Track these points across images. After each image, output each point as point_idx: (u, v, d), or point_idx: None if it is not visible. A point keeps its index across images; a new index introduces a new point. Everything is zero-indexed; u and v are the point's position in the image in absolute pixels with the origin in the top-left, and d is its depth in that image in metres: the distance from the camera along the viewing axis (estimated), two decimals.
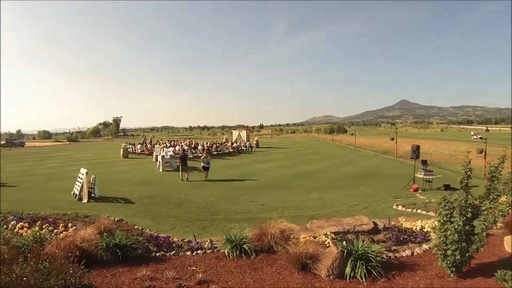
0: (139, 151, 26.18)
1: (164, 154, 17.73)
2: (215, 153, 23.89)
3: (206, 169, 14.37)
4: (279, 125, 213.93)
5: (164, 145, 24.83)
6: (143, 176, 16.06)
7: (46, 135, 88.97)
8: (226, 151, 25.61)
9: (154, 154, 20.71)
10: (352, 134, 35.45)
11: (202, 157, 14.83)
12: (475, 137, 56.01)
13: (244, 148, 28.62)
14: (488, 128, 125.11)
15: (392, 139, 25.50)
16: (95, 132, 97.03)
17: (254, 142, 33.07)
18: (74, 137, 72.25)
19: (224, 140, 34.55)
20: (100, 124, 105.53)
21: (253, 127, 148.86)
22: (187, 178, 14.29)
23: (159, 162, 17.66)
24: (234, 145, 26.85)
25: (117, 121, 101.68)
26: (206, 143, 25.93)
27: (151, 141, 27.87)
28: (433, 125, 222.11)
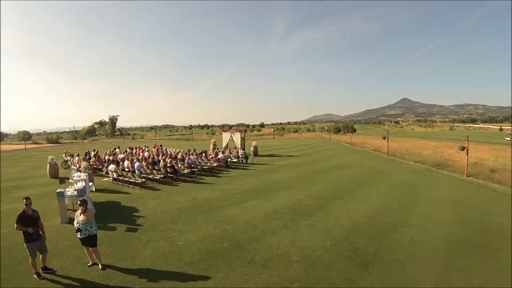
0: (78, 165, 17.26)
1: (70, 189, 8.84)
2: (185, 172, 14.94)
3: (86, 243, 5.83)
4: (280, 123, 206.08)
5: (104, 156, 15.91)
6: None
7: (26, 136, 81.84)
8: (206, 166, 16.63)
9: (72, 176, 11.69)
10: (384, 137, 26.48)
11: (76, 213, 5.86)
12: (508, 138, 49.83)
13: (236, 159, 19.67)
14: (502, 127, 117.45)
15: (464, 149, 16.49)
16: (91, 132, 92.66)
17: (252, 149, 24.17)
18: (55, 138, 65.34)
19: (211, 147, 25.54)
20: (96, 123, 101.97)
21: (254, 126, 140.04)
22: (38, 273, 5.52)
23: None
24: (219, 156, 17.89)
25: (113, 120, 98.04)
26: (176, 152, 17.01)
27: (96, 152, 18.83)
28: (437, 124, 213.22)
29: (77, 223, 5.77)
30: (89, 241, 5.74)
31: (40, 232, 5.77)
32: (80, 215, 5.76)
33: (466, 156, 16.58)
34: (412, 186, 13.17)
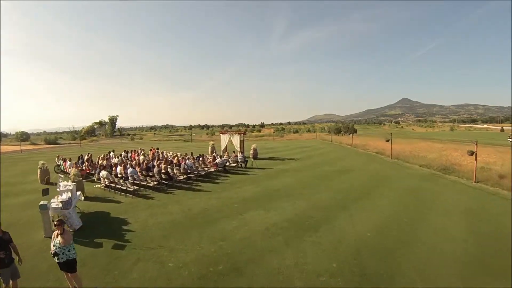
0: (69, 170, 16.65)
1: (55, 200, 8.19)
2: (181, 178, 14.30)
3: (65, 268, 5.23)
4: (281, 123, 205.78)
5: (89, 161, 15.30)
6: None
7: (23, 137, 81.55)
8: (203, 172, 15.97)
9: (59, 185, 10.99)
10: (388, 140, 25.88)
11: (53, 235, 5.18)
12: (510, 140, 49.49)
13: (235, 163, 19.01)
14: (503, 128, 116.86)
15: (472, 154, 15.83)
16: (91, 132, 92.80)
17: (251, 152, 23.52)
18: (53, 139, 65.09)
19: (210, 150, 24.95)
20: (95, 123, 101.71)
21: (254, 126, 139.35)
22: None
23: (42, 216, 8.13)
24: (217, 161, 17.23)
25: (113, 120, 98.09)
26: (172, 156, 16.36)
27: (90, 156, 18.18)
28: (438, 124, 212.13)
29: (54, 246, 5.12)
30: (68, 266, 5.09)
31: (13, 256, 5.16)
32: (57, 236, 5.12)
33: (475, 161, 15.94)
34: (419, 193, 12.51)
